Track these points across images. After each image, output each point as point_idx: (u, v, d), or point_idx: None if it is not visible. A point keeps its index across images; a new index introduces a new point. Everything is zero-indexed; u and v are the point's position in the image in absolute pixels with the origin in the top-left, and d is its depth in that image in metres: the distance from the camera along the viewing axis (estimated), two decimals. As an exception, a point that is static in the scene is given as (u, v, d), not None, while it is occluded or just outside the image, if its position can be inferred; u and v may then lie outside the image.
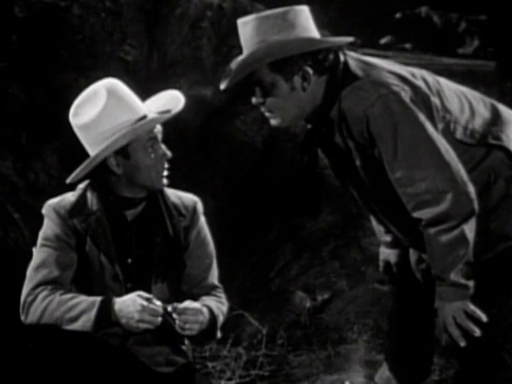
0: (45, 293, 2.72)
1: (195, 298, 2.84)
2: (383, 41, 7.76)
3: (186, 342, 2.92)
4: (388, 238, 3.04)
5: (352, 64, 2.65)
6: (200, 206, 2.92)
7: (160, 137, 2.80)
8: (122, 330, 2.76)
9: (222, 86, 2.66)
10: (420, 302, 2.99)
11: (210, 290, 2.89)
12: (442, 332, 2.73)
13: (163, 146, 2.79)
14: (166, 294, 2.83)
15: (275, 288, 4.66)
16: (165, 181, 2.82)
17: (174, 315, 2.69)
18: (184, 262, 2.86)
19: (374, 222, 3.06)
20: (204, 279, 2.87)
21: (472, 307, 2.62)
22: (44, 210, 2.84)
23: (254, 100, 2.67)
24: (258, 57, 2.58)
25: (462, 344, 2.63)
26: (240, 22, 2.64)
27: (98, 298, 2.69)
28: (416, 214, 2.60)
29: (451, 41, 7.67)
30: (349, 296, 4.46)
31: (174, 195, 2.89)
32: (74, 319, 2.68)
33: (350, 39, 2.68)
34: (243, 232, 4.88)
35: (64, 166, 4.55)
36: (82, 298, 2.71)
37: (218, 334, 2.84)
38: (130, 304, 2.66)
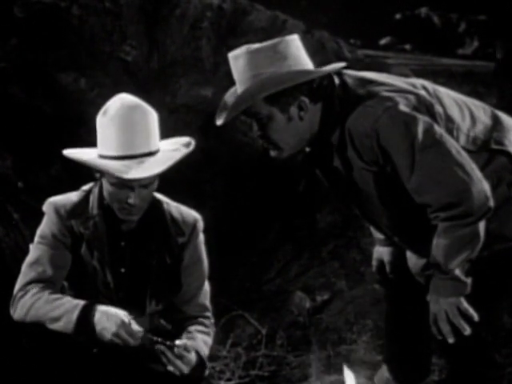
0: (35, 290, 2.75)
1: (184, 320, 2.88)
2: (383, 41, 7.77)
3: None
4: (382, 235, 3.03)
5: (351, 83, 2.67)
6: (200, 224, 2.93)
7: (138, 183, 2.72)
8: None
9: (219, 122, 2.67)
10: (415, 302, 2.97)
11: (198, 313, 2.91)
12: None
13: (127, 193, 2.73)
14: (159, 307, 2.86)
15: (275, 288, 4.66)
16: (133, 217, 2.79)
17: (162, 348, 2.70)
18: (178, 278, 2.87)
19: None
20: (194, 296, 2.89)
21: (465, 305, 2.64)
22: (44, 207, 2.85)
23: (255, 134, 2.69)
24: (253, 92, 2.59)
25: (451, 340, 2.66)
26: (231, 55, 2.65)
27: (82, 302, 2.71)
28: (435, 214, 2.61)
29: (451, 41, 7.68)
30: (348, 296, 4.46)
31: (176, 210, 2.90)
32: (57, 319, 2.69)
33: (342, 65, 2.70)
34: (243, 232, 4.86)
35: (63, 166, 4.55)
36: (68, 299, 2.74)
37: (206, 372, 2.86)
38: (113, 316, 2.68)
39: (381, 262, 3.11)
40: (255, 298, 4.60)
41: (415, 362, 3.17)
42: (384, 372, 3.26)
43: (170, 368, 2.71)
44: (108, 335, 2.65)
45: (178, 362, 2.71)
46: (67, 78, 4.67)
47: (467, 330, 2.65)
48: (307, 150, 2.76)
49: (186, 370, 2.73)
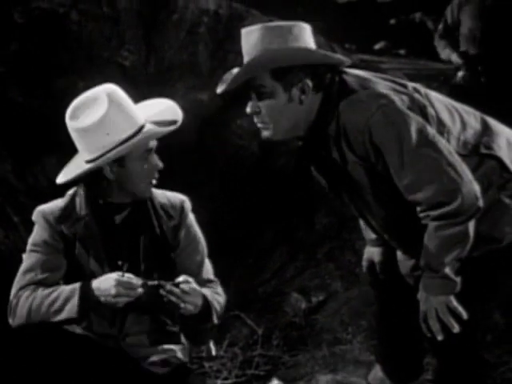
0: (27, 292, 2.76)
1: None
2: (378, 46, 7.75)
3: (183, 340, 2.95)
4: (373, 235, 3.07)
5: (349, 80, 2.69)
6: (188, 205, 2.96)
7: (154, 147, 2.82)
8: (115, 332, 2.82)
9: (219, 90, 2.68)
10: (405, 302, 3.01)
11: (204, 284, 2.91)
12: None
13: (156, 157, 2.82)
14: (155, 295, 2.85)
15: (271, 289, 4.65)
16: (152, 190, 2.85)
17: (168, 287, 2.72)
18: (174, 261, 2.89)
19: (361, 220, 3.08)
20: (197, 275, 2.89)
21: (455, 303, 2.67)
22: (34, 217, 2.87)
23: (248, 109, 2.69)
24: (263, 61, 2.61)
25: (440, 338, 2.69)
26: (244, 31, 2.67)
27: (78, 284, 2.74)
28: (425, 214, 2.63)
29: (445, 46, 7.67)
30: (343, 297, 4.45)
31: (162, 195, 2.92)
32: (60, 310, 2.72)
33: (349, 61, 2.72)
34: (240, 234, 4.87)
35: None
36: (62, 288, 2.75)
37: (215, 320, 2.87)
38: (106, 281, 2.70)
39: (371, 263, 3.14)
40: (251, 299, 4.59)
41: (407, 360, 3.20)
42: (378, 371, 3.30)
43: (183, 305, 2.72)
44: (112, 300, 2.68)
45: (189, 297, 2.72)
46: (66, 81, 4.65)
47: (456, 328, 2.67)
48: (300, 143, 2.78)
49: (199, 301, 2.76)
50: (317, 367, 3.90)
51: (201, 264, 2.95)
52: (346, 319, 4.28)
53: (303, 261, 4.76)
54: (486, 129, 2.80)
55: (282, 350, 4.13)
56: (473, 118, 2.81)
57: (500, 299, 2.94)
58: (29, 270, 2.80)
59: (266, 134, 2.71)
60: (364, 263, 3.18)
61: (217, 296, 2.91)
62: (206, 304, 2.81)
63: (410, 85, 2.76)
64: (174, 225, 2.91)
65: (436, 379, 3.00)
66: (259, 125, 2.70)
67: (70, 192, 2.90)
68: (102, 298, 2.69)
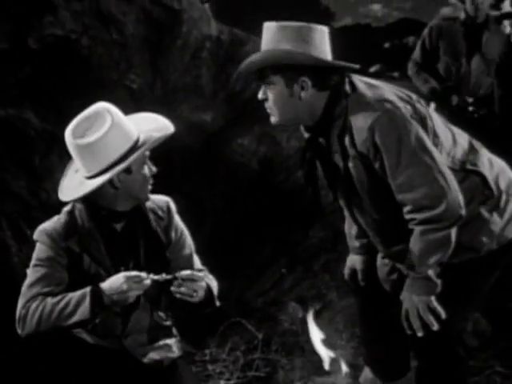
0: (36, 302, 2.80)
1: None
2: (372, 69, 7.75)
3: (174, 332, 3.08)
4: (357, 243, 3.20)
5: (359, 85, 2.83)
6: (172, 205, 3.08)
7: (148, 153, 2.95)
8: (119, 331, 2.93)
9: (235, 76, 2.89)
10: (384, 307, 3.13)
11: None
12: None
13: (150, 162, 2.95)
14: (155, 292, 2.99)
15: (270, 299, 4.73)
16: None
17: (178, 282, 2.85)
18: (168, 259, 3.01)
19: (346, 226, 3.23)
20: (190, 267, 3.01)
21: (435, 303, 2.82)
22: (36, 236, 2.91)
23: (260, 95, 2.87)
24: (262, 59, 2.79)
25: (420, 334, 2.83)
26: (266, 25, 2.83)
27: (88, 288, 2.80)
28: (411, 216, 2.76)
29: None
30: (338, 307, 4.55)
31: (150, 201, 3.03)
32: (72, 313, 2.78)
33: (356, 66, 2.82)
34: (241, 247, 4.93)
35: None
36: (72, 294, 2.81)
37: (217, 303, 3.00)
38: (115, 280, 2.81)
39: (353, 270, 3.25)
40: (252, 308, 4.66)
41: (392, 361, 3.30)
42: (368, 373, 3.42)
43: (195, 294, 2.84)
44: (124, 296, 2.80)
45: (197, 285, 2.86)
46: (77, 104, 4.51)
47: (435, 326, 2.81)
48: (306, 135, 2.92)
49: (205, 285, 2.89)
50: (313, 370, 3.99)
51: (190, 257, 3.07)
52: (340, 327, 4.37)
53: (301, 272, 4.85)
54: (471, 148, 2.94)
55: (280, 354, 4.22)
56: (462, 138, 2.95)
57: (477, 303, 3.05)
58: (35, 283, 2.84)
59: (272, 119, 2.87)
60: (346, 271, 3.28)
61: (211, 282, 3.03)
62: (208, 288, 2.94)
63: (414, 96, 2.87)
64: (165, 225, 3.03)
65: (418, 379, 3.10)
66: (268, 110, 2.87)
67: (67, 208, 2.96)
68: (115, 296, 2.78)
